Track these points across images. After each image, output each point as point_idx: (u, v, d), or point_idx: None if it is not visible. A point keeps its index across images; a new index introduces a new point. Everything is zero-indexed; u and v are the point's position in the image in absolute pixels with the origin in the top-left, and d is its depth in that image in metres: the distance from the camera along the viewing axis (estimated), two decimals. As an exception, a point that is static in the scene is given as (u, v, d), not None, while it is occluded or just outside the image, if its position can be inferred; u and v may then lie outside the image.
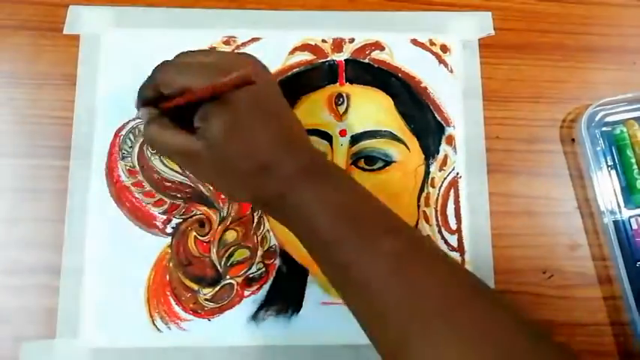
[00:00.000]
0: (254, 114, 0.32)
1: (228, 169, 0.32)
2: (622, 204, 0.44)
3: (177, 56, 0.35)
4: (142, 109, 0.35)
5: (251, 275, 0.42)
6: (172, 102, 0.32)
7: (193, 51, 0.36)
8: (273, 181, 0.32)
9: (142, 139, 0.43)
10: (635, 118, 0.45)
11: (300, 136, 0.35)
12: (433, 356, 0.28)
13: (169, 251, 0.42)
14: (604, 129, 0.46)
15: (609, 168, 0.45)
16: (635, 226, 0.43)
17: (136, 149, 0.43)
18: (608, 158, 0.45)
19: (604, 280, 0.43)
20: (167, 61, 0.34)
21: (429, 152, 0.45)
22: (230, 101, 0.31)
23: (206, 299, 0.41)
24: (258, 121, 0.32)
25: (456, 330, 0.28)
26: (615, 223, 0.43)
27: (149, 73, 0.44)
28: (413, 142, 0.45)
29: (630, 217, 0.44)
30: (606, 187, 0.44)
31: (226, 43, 0.46)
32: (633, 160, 0.44)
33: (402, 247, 0.32)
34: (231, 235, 0.42)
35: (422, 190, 0.44)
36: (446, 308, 0.29)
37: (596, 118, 0.45)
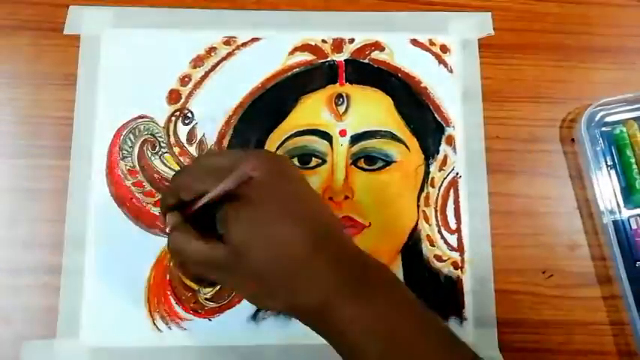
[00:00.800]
0: (276, 211, 0.29)
1: (257, 275, 0.29)
2: (622, 204, 0.44)
3: (195, 159, 0.35)
4: (168, 215, 0.33)
5: (251, 275, 0.42)
6: (190, 209, 0.31)
7: (210, 153, 0.35)
8: (310, 291, 0.29)
9: (142, 139, 0.43)
10: (634, 118, 0.45)
11: (333, 228, 0.32)
12: None
13: (169, 251, 0.42)
14: (604, 129, 0.46)
15: (609, 168, 0.45)
16: (634, 226, 0.43)
17: (136, 149, 0.43)
18: (608, 158, 0.45)
19: (603, 280, 0.43)
20: (185, 166, 0.33)
21: (429, 152, 0.45)
22: (247, 201, 0.29)
23: (206, 299, 0.41)
24: (282, 217, 0.29)
25: None
26: (615, 223, 0.43)
27: (149, 73, 0.45)
28: (413, 142, 0.45)
29: (630, 217, 0.44)
30: (606, 187, 0.44)
31: (226, 43, 0.46)
32: (633, 160, 0.44)
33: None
34: (231, 235, 0.42)
35: (422, 190, 0.44)
36: None
37: (596, 118, 0.45)
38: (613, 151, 0.45)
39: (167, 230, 0.32)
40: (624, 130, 0.45)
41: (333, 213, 0.33)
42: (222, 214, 0.30)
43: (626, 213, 0.44)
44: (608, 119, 0.46)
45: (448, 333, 0.31)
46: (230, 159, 0.31)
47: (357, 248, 0.32)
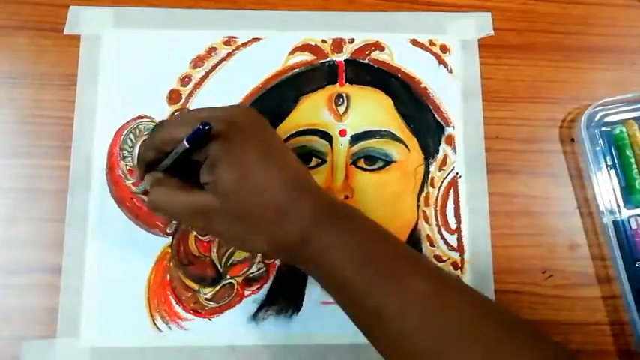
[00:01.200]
0: (261, 160, 0.32)
1: (244, 219, 0.32)
2: (621, 204, 0.44)
3: (174, 115, 0.36)
4: (147, 175, 0.34)
5: (251, 275, 0.42)
6: (170, 157, 0.33)
7: (192, 110, 0.36)
8: (292, 226, 0.32)
9: (142, 139, 0.43)
10: (634, 118, 0.45)
11: (308, 178, 0.35)
12: None
13: (170, 251, 0.42)
14: (603, 129, 0.46)
15: (609, 168, 0.45)
16: (634, 226, 0.43)
17: (137, 149, 0.43)
18: (608, 158, 0.45)
19: (603, 280, 0.43)
20: (164, 120, 0.35)
21: (429, 152, 0.45)
22: (230, 149, 0.31)
23: (206, 299, 0.41)
24: (267, 166, 0.32)
25: None
26: (615, 223, 0.43)
27: (149, 74, 0.45)
28: (413, 142, 0.45)
29: (629, 217, 0.44)
30: (605, 187, 0.44)
31: (226, 43, 0.46)
32: (632, 160, 0.44)
33: (431, 287, 0.32)
34: (231, 235, 0.42)
35: (422, 190, 0.44)
36: (476, 353, 0.29)
37: (596, 118, 0.45)
38: (613, 151, 0.45)
39: (147, 187, 0.34)
40: (624, 130, 0.45)
41: (308, 170, 0.36)
42: (210, 164, 0.31)
43: (625, 213, 0.44)
44: (608, 119, 0.46)
45: (417, 255, 0.34)
46: (211, 111, 0.34)
47: (324, 191, 0.36)
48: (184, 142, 0.31)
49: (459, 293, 0.33)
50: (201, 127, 0.30)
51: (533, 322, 0.42)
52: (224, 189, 0.31)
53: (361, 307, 0.32)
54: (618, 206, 0.44)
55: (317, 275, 0.34)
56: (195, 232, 0.42)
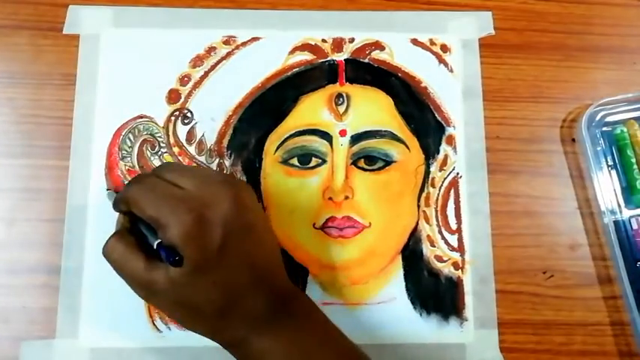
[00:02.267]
0: (229, 251, 0.31)
1: (187, 306, 0.32)
2: (622, 204, 0.44)
3: (157, 171, 0.34)
4: (119, 215, 0.35)
5: (251, 275, 0.42)
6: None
7: (172, 169, 0.34)
8: (234, 327, 0.32)
9: (141, 139, 0.43)
10: (635, 118, 0.45)
11: (272, 264, 0.34)
12: None
13: (169, 251, 0.42)
14: (604, 129, 0.46)
15: (609, 168, 0.44)
16: (635, 226, 0.43)
17: (136, 149, 0.43)
18: (609, 158, 0.45)
19: (604, 280, 0.43)
20: (141, 177, 0.34)
21: (429, 152, 0.45)
22: (200, 238, 0.30)
23: (206, 299, 0.41)
24: (235, 255, 0.31)
25: None
26: (615, 223, 0.43)
27: (148, 73, 0.44)
28: (413, 142, 0.45)
29: (631, 217, 0.44)
30: (607, 187, 0.44)
31: (226, 43, 0.46)
32: (634, 160, 0.44)
33: None
34: (231, 235, 0.42)
35: (422, 190, 0.44)
36: None
37: (597, 118, 0.45)
38: (614, 151, 0.45)
39: (108, 240, 0.33)
40: (625, 130, 0.45)
41: (277, 243, 0.36)
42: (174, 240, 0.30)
43: (626, 213, 0.44)
44: (609, 119, 0.45)
45: None
46: (193, 188, 0.32)
47: (285, 282, 0.35)
48: (154, 245, 0.31)
49: None
50: (170, 259, 0.30)
51: (534, 322, 0.42)
52: (175, 276, 0.30)
53: None
54: (619, 206, 0.44)
55: None
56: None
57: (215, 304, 0.31)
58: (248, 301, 0.32)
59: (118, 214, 0.35)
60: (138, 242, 0.33)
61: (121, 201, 0.33)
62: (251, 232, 0.33)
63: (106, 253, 0.32)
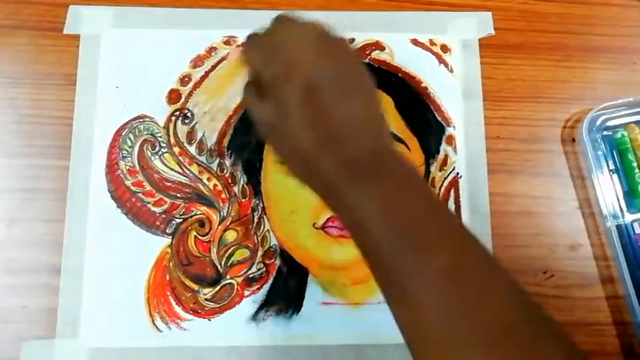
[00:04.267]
0: (324, 95, 0.31)
1: (292, 144, 0.32)
2: (624, 208, 0.44)
3: (274, 23, 0.35)
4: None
5: (251, 275, 0.42)
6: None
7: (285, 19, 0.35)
8: (329, 166, 0.30)
9: (142, 139, 0.43)
10: (636, 122, 0.45)
11: (372, 121, 0.33)
12: None
13: (169, 251, 0.42)
14: (605, 133, 0.45)
15: (611, 172, 0.44)
16: (638, 230, 0.43)
17: (136, 149, 0.43)
18: (610, 162, 0.45)
19: (604, 280, 0.43)
20: (257, 34, 0.35)
21: (430, 152, 0.45)
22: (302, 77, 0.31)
23: (206, 299, 0.41)
24: (327, 101, 0.31)
25: None
26: (618, 227, 0.43)
27: (149, 73, 0.44)
28: (413, 142, 0.45)
29: (633, 221, 0.43)
30: (608, 191, 0.44)
31: (227, 43, 0.46)
32: (635, 165, 0.44)
33: (457, 264, 0.29)
34: (231, 235, 0.42)
35: (422, 190, 0.44)
36: (491, 338, 0.27)
37: (597, 123, 0.45)
38: (614, 155, 0.45)
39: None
40: (625, 134, 0.45)
41: (383, 113, 0.34)
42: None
43: (629, 217, 0.44)
44: (610, 123, 0.45)
45: (458, 222, 0.32)
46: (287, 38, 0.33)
47: (392, 146, 0.33)
48: None
49: (487, 277, 0.29)
50: None
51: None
52: (283, 108, 0.31)
53: (381, 266, 0.30)
54: (621, 210, 0.44)
55: (346, 223, 0.32)
56: (195, 233, 0.42)
57: (311, 140, 0.31)
58: (348, 144, 0.31)
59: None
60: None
61: (245, 52, 0.35)
62: (352, 76, 0.33)
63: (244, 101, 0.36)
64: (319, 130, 0.31)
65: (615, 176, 0.45)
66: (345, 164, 0.30)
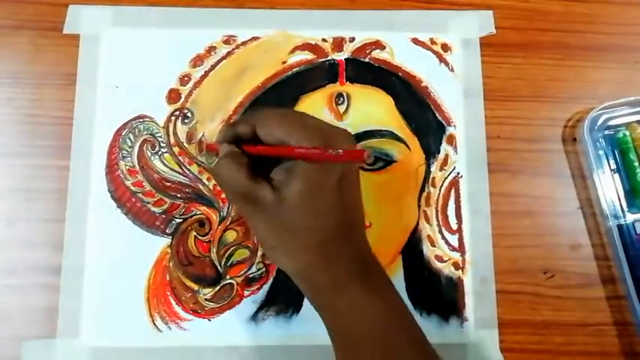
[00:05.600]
0: (340, 188, 0.31)
1: (289, 234, 0.31)
2: (626, 208, 0.44)
3: (278, 111, 0.35)
4: (224, 145, 0.34)
5: (251, 275, 0.42)
6: (263, 150, 0.32)
7: (301, 112, 0.37)
8: (331, 266, 0.32)
9: (142, 139, 0.43)
10: (638, 121, 0.45)
11: (361, 229, 0.35)
12: None
13: (169, 251, 0.42)
14: (606, 132, 0.45)
15: (612, 172, 0.44)
16: (639, 230, 0.43)
17: (136, 149, 0.43)
18: (612, 162, 0.44)
19: (605, 281, 0.43)
20: (268, 109, 0.35)
21: (430, 152, 0.45)
22: (322, 170, 0.31)
23: (206, 299, 0.41)
24: (344, 196, 0.32)
25: None
26: (619, 227, 0.43)
27: (148, 73, 0.44)
28: (414, 142, 0.45)
29: (635, 221, 0.43)
30: (610, 190, 0.43)
31: (226, 42, 0.46)
32: (636, 164, 0.44)
33: None
34: (231, 235, 0.42)
35: (422, 189, 0.44)
36: None
37: (599, 122, 0.45)
38: (616, 154, 0.45)
39: (221, 154, 0.33)
40: (627, 133, 0.44)
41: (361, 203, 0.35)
42: (290, 167, 0.31)
43: (630, 217, 0.43)
44: (611, 123, 0.45)
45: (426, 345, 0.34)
46: (320, 123, 0.33)
47: (369, 246, 0.35)
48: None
49: None
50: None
51: (535, 323, 0.42)
52: (289, 195, 0.30)
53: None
54: (622, 210, 0.43)
55: (327, 319, 0.33)
56: (194, 233, 0.42)
57: (315, 235, 0.31)
58: (343, 247, 0.32)
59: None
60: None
61: (244, 121, 0.34)
62: (356, 181, 0.34)
63: (217, 169, 0.33)
64: (349, 219, 0.33)
65: (616, 176, 0.44)
66: (360, 261, 0.33)
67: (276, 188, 0.31)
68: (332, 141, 0.31)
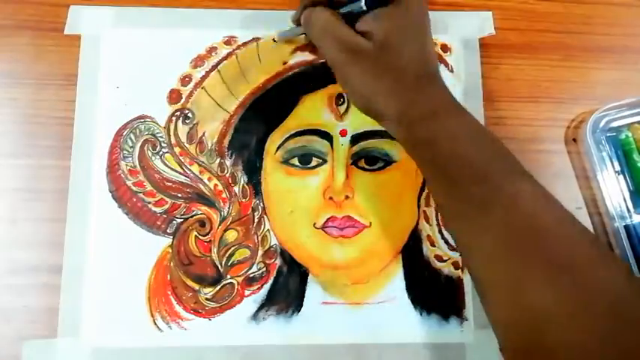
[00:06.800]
0: (421, 26, 0.35)
1: (384, 76, 0.34)
2: (632, 209, 0.44)
3: None
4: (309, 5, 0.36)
5: (251, 275, 0.42)
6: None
7: None
8: (431, 94, 0.34)
9: (143, 139, 0.43)
10: (639, 122, 0.45)
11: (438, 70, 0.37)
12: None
13: (170, 251, 0.42)
14: (609, 134, 0.45)
15: (617, 173, 0.44)
16: (646, 231, 0.43)
17: (137, 149, 0.43)
18: (615, 163, 0.44)
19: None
20: None
21: (430, 152, 0.45)
22: (402, 7, 0.33)
23: (207, 299, 0.41)
24: (424, 33, 0.35)
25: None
26: (626, 227, 0.43)
27: (149, 73, 0.44)
28: (414, 142, 0.45)
29: (641, 222, 0.43)
30: (614, 192, 0.43)
31: (227, 43, 0.46)
32: (640, 165, 0.44)
33: (540, 190, 0.32)
34: (231, 235, 0.42)
35: (422, 189, 0.44)
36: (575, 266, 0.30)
37: (601, 124, 0.45)
38: (619, 155, 0.45)
39: (307, 11, 0.36)
40: (629, 134, 0.44)
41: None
42: (376, 15, 0.34)
43: (636, 218, 0.43)
44: (614, 124, 0.45)
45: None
46: None
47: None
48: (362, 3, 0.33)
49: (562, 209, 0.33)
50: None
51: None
52: (379, 39, 0.33)
53: (470, 190, 0.32)
54: (629, 211, 0.44)
55: (434, 154, 0.34)
56: (195, 233, 0.42)
57: (416, 69, 0.34)
58: (435, 82, 0.35)
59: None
60: None
61: None
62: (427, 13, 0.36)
63: (313, 18, 0.35)
64: (433, 50, 0.36)
65: (621, 177, 0.44)
66: (447, 92, 0.35)
67: (370, 37, 0.33)
68: None
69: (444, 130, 0.33)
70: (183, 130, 0.44)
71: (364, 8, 0.34)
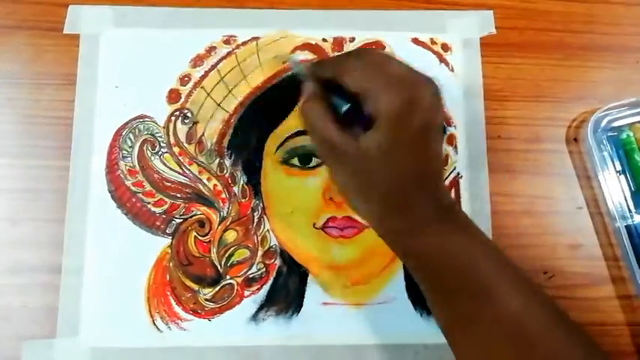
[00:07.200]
0: (420, 140, 0.32)
1: (369, 177, 0.32)
2: (633, 209, 0.43)
3: (363, 57, 0.34)
4: (310, 83, 0.35)
5: (251, 275, 0.42)
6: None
7: (386, 55, 0.36)
8: (405, 212, 0.32)
9: (142, 139, 0.43)
10: (640, 122, 0.45)
11: (438, 178, 0.35)
12: None
13: (169, 251, 0.42)
14: (610, 134, 0.45)
15: (618, 173, 0.44)
16: (647, 230, 0.43)
17: (136, 149, 0.43)
18: (616, 163, 0.44)
19: (605, 281, 0.43)
20: (360, 54, 0.34)
21: (430, 152, 0.45)
22: (401, 123, 0.31)
23: (206, 299, 0.41)
24: (422, 148, 0.32)
25: None
26: (627, 227, 0.43)
27: (149, 73, 0.44)
28: (414, 142, 0.45)
29: (642, 221, 0.43)
30: (616, 192, 0.43)
31: (226, 42, 0.46)
32: (642, 164, 0.44)
33: (549, 301, 0.33)
34: (231, 235, 0.42)
35: (423, 190, 0.44)
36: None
37: (602, 123, 0.45)
38: (620, 155, 0.45)
39: (305, 94, 0.35)
40: (631, 134, 0.44)
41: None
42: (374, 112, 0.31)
43: (638, 218, 0.43)
44: (615, 124, 0.45)
45: (524, 278, 0.33)
46: (405, 73, 0.33)
47: (448, 194, 0.37)
48: (342, 110, 0.33)
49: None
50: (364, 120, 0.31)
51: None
52: (368, 145, 0.31)
53: (479, 309, 0.32)
54: (630, 211, 0.43)
55: (428, 274, 0.34)
56: (195, 233, 0.42)
57: (392, 183, 0.32)
58: (419, 195, 0.33)
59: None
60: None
61: (328, 66, 0.34)
62: (438, 133, 0.34)
63: (304, 111, 0.34)
64: (431, 166, 0.33)
65: (622, 177, 0.44)
66: (438, 206, 0.33)
67: (357, 138, 0.32)
68: (415, 92, 0.31)
69: (417, 248, 0.33)
70: (182, 129, 0.44)
71: (341, 113, 0.33)
